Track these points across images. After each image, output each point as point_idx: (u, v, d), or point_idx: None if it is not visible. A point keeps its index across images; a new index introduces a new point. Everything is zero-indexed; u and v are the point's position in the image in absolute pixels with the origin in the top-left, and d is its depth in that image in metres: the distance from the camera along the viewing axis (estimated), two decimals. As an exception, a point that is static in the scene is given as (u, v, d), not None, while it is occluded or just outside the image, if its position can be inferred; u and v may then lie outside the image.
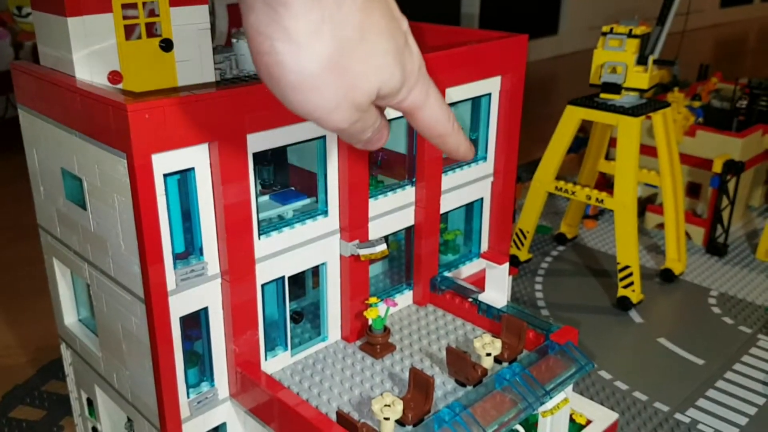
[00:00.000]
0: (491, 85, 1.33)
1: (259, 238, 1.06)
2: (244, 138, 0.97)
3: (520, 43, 1.33)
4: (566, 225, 2.36)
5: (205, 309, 1.02)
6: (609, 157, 2.27)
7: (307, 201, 1.15)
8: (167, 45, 1.06)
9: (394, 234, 1.29)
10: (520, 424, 1.09)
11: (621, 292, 1.93)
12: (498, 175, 1.41)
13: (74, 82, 0.99)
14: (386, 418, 0.95)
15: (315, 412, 0.98)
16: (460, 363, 1.10)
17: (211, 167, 0.96)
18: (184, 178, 0.94)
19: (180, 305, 0.98)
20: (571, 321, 1.88)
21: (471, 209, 1.44)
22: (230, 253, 1.00)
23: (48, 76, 1.03)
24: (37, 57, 1.11)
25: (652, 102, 1.94)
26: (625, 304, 1.92)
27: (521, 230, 2.13)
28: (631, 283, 1.91)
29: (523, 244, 2.14)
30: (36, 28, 1.09)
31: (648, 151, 2.14)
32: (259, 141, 1.00)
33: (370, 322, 1.18)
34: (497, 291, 1.29)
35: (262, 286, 1.08)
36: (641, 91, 1.86)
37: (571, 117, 1.96)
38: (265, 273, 1.08)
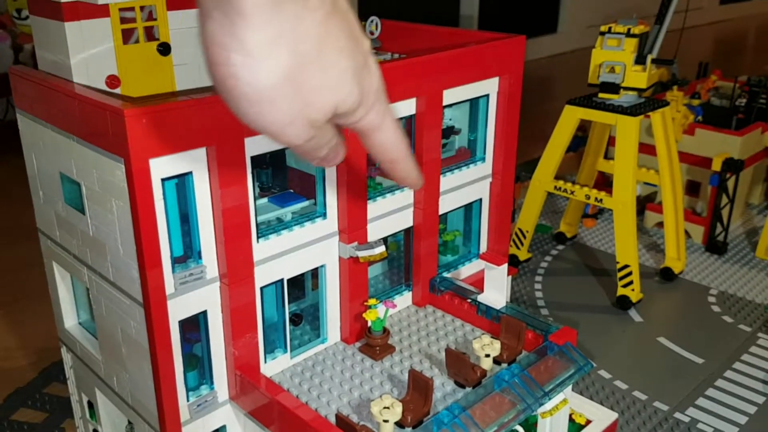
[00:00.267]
0: (489, 86, 1.33)
1: (258, 241, 1.06)
2: (241, 142, 0.97)
3: (518, 45, 1.33)
4: (566, 224, 2.36)
5: (204, 312, 1.02)
6: (608, 156, 2.27)
7: (305, 203, 1.16)
8: (165, 49, 1.06)
9: (393, 235, 1.29)
10: (520, 424, 1.09)
11: (620, 291, 1.93)
12: (496, 176, 1.41)
13: (72, 87, 0.99)
14: (385, 421, 0.96)
15: (314, 414, 0.99)
16: (459, 364, 1.10)
17: (209, 171, 0.96)
18: (182, 182, 0.95)
19: (179, 309, 0.98)
20: (571, 320, 1.88)
21: (470, 210, 1.44)
22: (229, 256, 1.00)
23: (46, 81, 1.03)
24: (36, 60, 1.11)
25: (650, 101, 1.94)
26: (624, 303, 1.92)
27: (521, 230, 2.13)
28: (631, 282, 1.91)
29: (522, 244, 2.14)
30: (34, 33, 1.09)
31: (647, 149, 2.14)
32: (256, 144, 1.00)
33: (369, 323, 1.19)
34: (496, 292, 1.29)
35: (261, 288, 1.08)
36: (640, 90, 1.86)
37: (570, 116, 1.96)
38: (264, 276, 1.08)
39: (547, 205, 2.47)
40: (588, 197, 1.98)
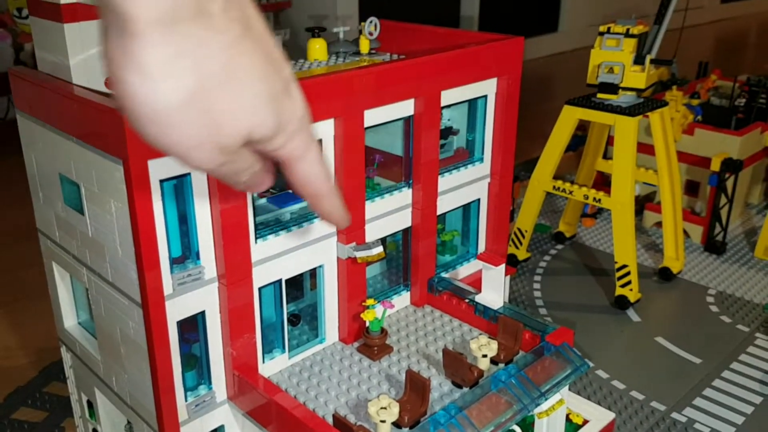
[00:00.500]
0: (488, 87, 1.33)
1: (256, 242, 1.06)
2: (239, 143, 0.97)
3: (516, 45, 1.33)
4: (565, 224, 2.36)
5: (202, 313, 1.03)
6: (607, 156, 2.28)
7: (303, 204, 1.16)
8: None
9: (392, 235, 1.30)
10: (518, 424, 1.10)
11: (619, 291, 1.94)
12: (495, 177, 1.42)
13: (71, 88, 1.00)
14: (382, 421, 0.96)
15: (311, 414, 0.99)
16: (456, 364, 1.10)
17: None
18: (180, 183, 0.95)
19: (177, 309, 0.99)
20: (569, 320, 1.89)
21: (468, 210, 1.44)
22: (227, 257, 1.01)
23: (45, 82, 1.03)
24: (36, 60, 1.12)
25: (649, 101, 1.94)
26: (622, 303, 1.93)
27: (519, 229, 2.14)
28: (629, 282, 1.91)
29: (521, 243, 2.15)
30: (33, 34, 1.09)
31: (646, 149, 2.14)
32: (255, 146, 1.00)
33: (367, 323, 1.19)
34: (494, 292, 1.30)
35: (260, 289, 1.09)
36: (638, 90, 1.86)
37: (569, 117, 1.96)
38: (262, 276, 1.09)
39: (546, 205, 2.48)
40: (586, 197, 1.98)
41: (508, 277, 1.49)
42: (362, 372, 1.15)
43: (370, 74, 1.10)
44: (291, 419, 0.99)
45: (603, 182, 2.38)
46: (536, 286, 2.08)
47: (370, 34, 1.35)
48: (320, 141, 1.10)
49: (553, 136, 2.00)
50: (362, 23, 1.35)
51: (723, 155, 2.19)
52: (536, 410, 1.10)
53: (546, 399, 1.09)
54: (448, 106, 1.29)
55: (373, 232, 1.22)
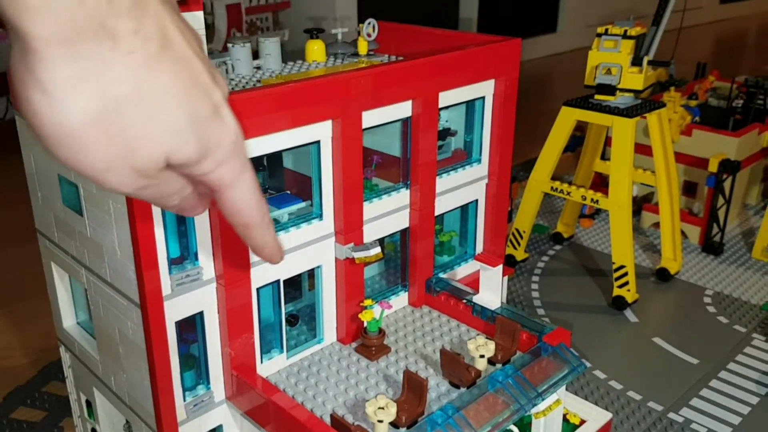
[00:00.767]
0: (485, 89, 1.34)
1: (255, 243, 1.07)
2: (238, 144, 0.98)
3: (514, 47, 1.34)
4: (563, 224, 2.37)
5: (201, 313, 1.03)
6: (605, 157, 2.28)
7: (302, 204, 1.16)
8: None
9: (390, 236, 1.30)
10: (515, 424, 1.10)
11: (616, 291, 1.94)
12: (492, 177, 1.42)
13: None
14: (380, 421, 0.97)
15: (309, 415, 1.00)
16: (453, 365, 1.11)
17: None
18: (179, 184, 0.95)
19: (175, 310, 0.99)
20: (567, 320, 1.89)
21: (466, 211, 1.45)
22: (225, 257, 1.01)
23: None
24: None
25: (647, 102, 1.95)
26: (620, 303, 1.94)
27: (518, 230, 2.14)
28: (627, 283, 1.92)
29: (519, 244, 2.15)
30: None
31: (644, 150, 2.15)
32: (252, 147, 1.01)
33: (365, 324, 1.20)
34: (491, 292, 1.30)
35: (258, 289, 1.09)
36: (636, 92, 1.87)
37: (566, 118, 1.97)
38: (260, 277, 1.09)
39: (545, 205, 2.48)
40: (584, 198, 1.99)
41: (506, 277, 1.50)
42: (360, 372, 1.16)
43: (368, 76, 1.11)
44: (289, 419, 1.00)
45: (601, 183, 2.39)
46: (534, 286, 2.08)
47: (369, 35, 1.35)
48: (318, 142, 1.10)
49: (551, 137, 2.01)
50: (361, 25, 1.35)
51: (721, 156, 2.19)
52: (533, 410, 1.11)
53: (543, 399, 1.09)
54: (446, 108, 1.30)
55: (371, 232, 1.23)
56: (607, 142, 2.25)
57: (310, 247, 1.15)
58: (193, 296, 1.01)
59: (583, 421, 1.31)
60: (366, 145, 1.17)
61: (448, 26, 1.80)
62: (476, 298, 1.30)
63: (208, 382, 1.08)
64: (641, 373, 1.68)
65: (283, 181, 1.22)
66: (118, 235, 0.95)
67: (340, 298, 1.22)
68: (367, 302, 1.20)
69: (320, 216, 1.15)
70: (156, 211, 0.92)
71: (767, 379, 1.65)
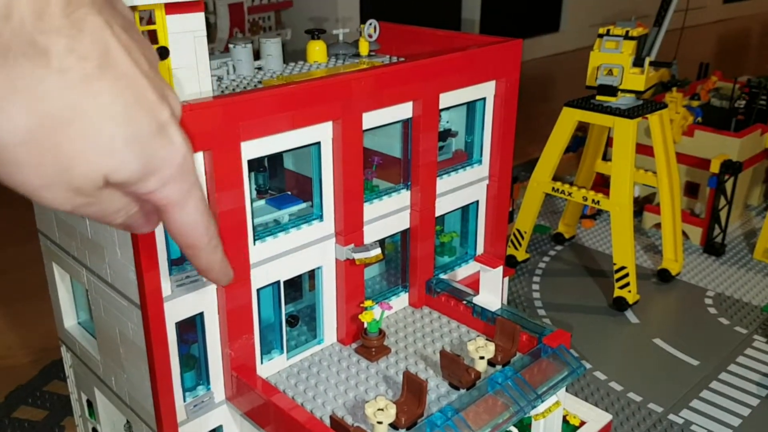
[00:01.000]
0: (486, 90, 1.34)
1: (255, 244, 1.07)
2: (238, 146, 0.98)
3: (515, 48, 1.34)
4: (564, 225, 2.37)
5: (201, 314, 1.04)
6: (606, 157, 2.28)
7: (302, 205, 1.17)
8: (163, 53, 1.07)
9: (391, 236, 1.30)
10: (515, 426, 1.10)
11: (617, 292, 1.94)
12: (493, 179, 1.42)
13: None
14: (379, 422, 0.97)
15: (308, 416, 1.00)
16: (453, 366, 1.11)
17: (205, 175, 0.97)
18: (179, 185, 0.95)
19: (175, 311, 1.00)
20: (567, 321, 1.89)
21: (467, 212, 1.45)
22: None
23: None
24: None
25: (648, 103, 1.95)
26: (621, 304, 1.93)
27: (519, 230, 2.14)
28: (628, 284, 1.92)
29: (520, 244, 2.15)
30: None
31: (646, 150, 2.15)
32: (253, 148, 1.01)
33: (365, 325, 1.20)
34: (492, 294, 1.30)
35: (258, 290, 1.10)
36: (638, 92, 1.87)
37: (568, 118, 1.97)
38: (260, 278, 1.09)
39: (546, 206, 2.48)
40: (585, 199, 1.99)
41: (507, 278, 1.50)
42: (360, 373, 1.16)
43: (368, 77, 1.11)
44: (288, 420, 1.00)
45: (602, 184, 2.39)
46: (535, 287, 2.08)
47: (370, 36, 1.35)
48: (319, 143, 1.10)
49: (553, 137, 2.01)
50: (362, 25, 1.35)
51: (723, 157, 2.19)
52: (533, 412, 1.11)
53: (542, 401, 1.09)
54: (447, 109, 1.30)
55: (372, 233, 1.23)
56: (609, 142, 2.24)
57: (310, 248, 1.15)
58: (194, 297, 1.01)
59: (583, 423, 1.31)
60: (367, 146, 1.17)
61: (450, 27, 1.80)
62: (476, 300, 1.30)
63: (209, 383, 1.09)
64: (641, 375, 1.68)
65: (283, 182, 1.22)
66: (119, 235, 0.96)
67: (341, 298, 1.22)
68: (368, 303, 1.20)
69: (321, 217, 1.15)
70: (156, 213, 0.93)
71: (768, 381, 1.65)
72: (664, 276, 2.09)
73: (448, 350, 1.18)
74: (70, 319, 1.27)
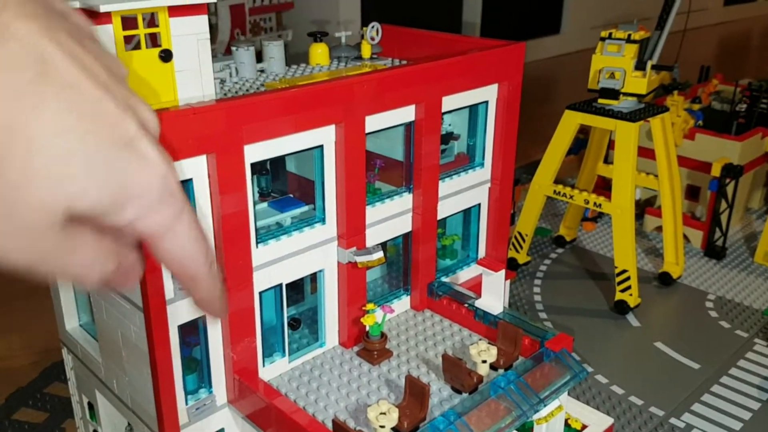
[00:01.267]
0: (488, 93, 1.34)
1: (257, 246, 1.07)
2: (241, 149, 0.98)
3: (517, 52, 1.34)
4: (565, 227, 2.37)
5: (203, 317, 1.03)
6: (608, 160, 2.28)
7: (305, 208, 1.17)
8: (166, 55, 1.07)
9: (393, 239, 1.30)
10: (517, 430, 1.10)
11: (618, 296, 1.94)
12: (495, 182, 1.42)
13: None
14: (382, 426, 0.97)
15: (310, 419, 1.00)
16: (455, 370, 1.11)
17: (209, 178, 0.97)
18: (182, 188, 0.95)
19: (178, 314, 0.99)
20: (569, 324, 1.89)
21: (468, 215, 1.45)
22: (227, 262, 1.01)
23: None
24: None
25: (650, 107, 1.95)
26: (622, 307, 1.93)
27: (520, 233, 2.14)
28: (629, 287, 1.92)
29: (522, 247, 2.15)
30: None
31: (647, 153, 2.15)
32: (256, 151, 1.01)
33: (367, 328, 1.20)
34: (493, 297, 1.30)
35: (260, 293, 1.09)
36: (639, 96, 1.87)
37: (570, 121, 1.97)
38: (262, 280, 1.09)
39: (547, 208, 2.48)
40: (587, 202, 1.99)
41: (508, 281, 1.50)
42: (362, 376, 1.16)
43: (371, 81, 1.11)
44: (290, 423, 1.00)
45: (604, 186, 2.39)
46: (536, 290, 2.08)
47: (372, 39, 1.35)
48: (322, 147, 1.10)
49: (554, 140, 2.01)
50: (364, 28, 1.35)
51: (724, 160, 2.19)
52: (535, 416, 1.11)
53: (545, 405, 1.09)
54: (449, 112, 1.29)
55: (374, 236, 1.23)
56: (611, 145, 2.24)
57: (312, 251, 1.15)
58: (196, 300, 1.01)
59: (584, 426, 1.31)
60: (369, 149, 1.17)
61: (451, 30, 1.80)
62: (478, 303, 1.30)
63: (211, 386, 1.08)
64: (643, 378, 1.68)
65: (286, 185, 1.22)
66: (122, 239, 0.95)
67: (343, 302, 1.22)
68: (369, 306, 1.20)
69: (323, 220, 1.15)
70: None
71: (769, 385, 1.65)
72: (665, 279, 2.09)
73: (450, 354, 1.18)
74: (71, 321, 1.27)
